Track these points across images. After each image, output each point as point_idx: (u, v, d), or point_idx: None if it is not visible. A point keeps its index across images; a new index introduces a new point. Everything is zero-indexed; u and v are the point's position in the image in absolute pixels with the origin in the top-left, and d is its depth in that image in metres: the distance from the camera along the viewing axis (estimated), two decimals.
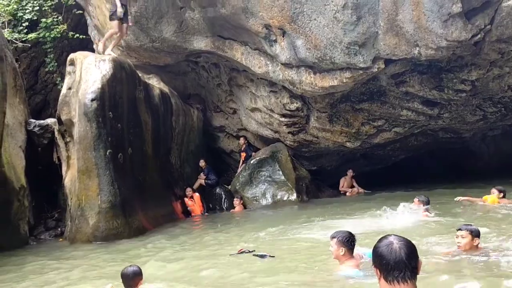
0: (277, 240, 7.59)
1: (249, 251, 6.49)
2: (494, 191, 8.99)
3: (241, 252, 6.54)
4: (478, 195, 9.35)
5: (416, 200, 8.61)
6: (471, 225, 5.52)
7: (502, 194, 8.91)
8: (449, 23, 8.80)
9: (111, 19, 10.62)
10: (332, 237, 5.14)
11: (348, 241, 5.04)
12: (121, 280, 4.77)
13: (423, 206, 8.36)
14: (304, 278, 5.25)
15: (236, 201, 12.40)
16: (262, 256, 5.98)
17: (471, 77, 10.39)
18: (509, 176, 12.04)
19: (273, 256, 6.02)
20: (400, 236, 2.23)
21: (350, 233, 5.17)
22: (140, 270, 4.79)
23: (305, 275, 5.35)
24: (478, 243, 5.35)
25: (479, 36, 9.09)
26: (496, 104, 11.74)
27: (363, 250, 5.25)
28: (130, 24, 10.74)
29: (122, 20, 10.49)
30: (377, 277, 2.21)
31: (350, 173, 14.06)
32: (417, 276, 2.18)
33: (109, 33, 10.94)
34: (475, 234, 5.32)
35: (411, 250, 2.17)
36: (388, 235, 2.26)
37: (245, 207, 12.49)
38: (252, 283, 5.19)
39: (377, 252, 2.21)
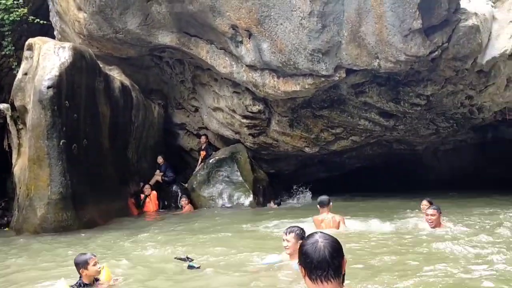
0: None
1: (187, 258, 6.15)
2: (426, 203, 8.58)
3: (186, 258, 6.21)
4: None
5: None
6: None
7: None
8: (409, 38, 9.11)
9: None
10: (289, 232, 5.29)
11: (304, 235, 5.20)
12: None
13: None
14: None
15: (183, 201, 12.21)
16: (194, 267, 5.76)
17: (427, 92, 10.78)
18: (455, 190, 12.61)
19: (199, 267, 5.76)
20: (327, 234, 2.21)
21: (303, 228, 5.38)
22: (84, 259, 4.74)
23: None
24: None
25: (436, 53, 9.46)
26: (448, 120, 12.22)
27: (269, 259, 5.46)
28: None
29: None
30: (302, 275, 2.19)
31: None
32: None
33: None
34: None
35: (335, 249, 2.15)
36: (315, 233, 2.25)
37: (195, 207, 12.38)
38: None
39: (302, 250, 2.18)
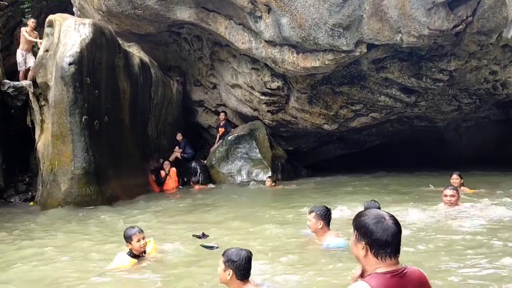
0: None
1: (203, 235, 6.02)
2: (456, 177, 8.72)
3: (203, 235, 6.11)
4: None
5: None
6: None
7: (462, 180, 8.79)
8: (433, 12, 8.89)
9: None
10: (310, 212, 5.37)
11: (326, 215, 5.27)
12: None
13: None
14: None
15: (191, 182, 12.29)
16: (210, 247, 5.54)
17: (450, 67, 10.55)
18: (478, 167, 12.41)
19: (218, 247, 5.48)
20: (385, 212, 2.24)
21: (327, 207, 5.43)
22: (129, 234, 4.86)
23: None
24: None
25: (460, 27, 9.22)
26: (471, 96, 11.98)
27: (335, 242, 5.27)
28: None
29: None
30: (362, 253, 2.18)
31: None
32: None
33: None
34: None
35: (400, 225, 2.20)
36: (373, 210, 2.28)
37: (213, 182, 12.51)
38: None
39: (369, 228, 2.16)
